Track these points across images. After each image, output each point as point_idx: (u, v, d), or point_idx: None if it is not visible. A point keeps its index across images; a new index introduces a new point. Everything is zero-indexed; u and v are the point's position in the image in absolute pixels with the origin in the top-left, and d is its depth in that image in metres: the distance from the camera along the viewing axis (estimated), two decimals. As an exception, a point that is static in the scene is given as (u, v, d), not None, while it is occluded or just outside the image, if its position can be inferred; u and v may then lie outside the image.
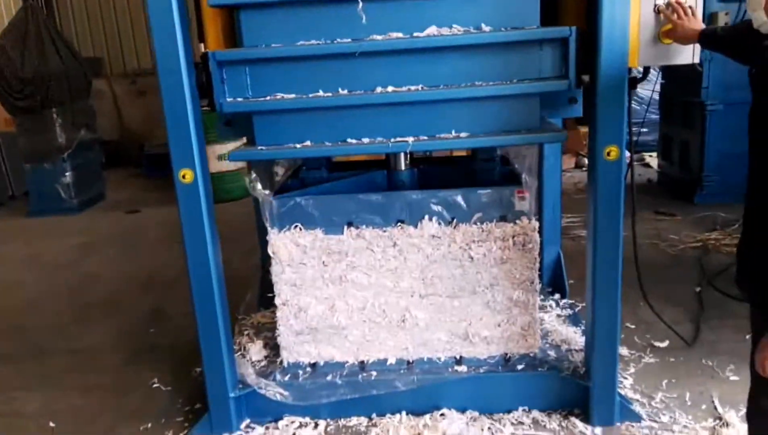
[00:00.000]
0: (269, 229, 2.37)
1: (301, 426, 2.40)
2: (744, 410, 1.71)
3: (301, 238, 2.35)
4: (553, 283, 3.27)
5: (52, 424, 2.59)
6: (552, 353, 2.52)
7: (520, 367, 2.42)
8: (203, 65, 2.08)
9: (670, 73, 5.00)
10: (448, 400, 2.40)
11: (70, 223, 5.73)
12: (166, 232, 5.06)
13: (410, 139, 2.09)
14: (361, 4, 2.01)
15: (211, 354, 2.30)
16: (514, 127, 2.10)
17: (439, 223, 2.33)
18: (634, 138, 2.44)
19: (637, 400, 2.45)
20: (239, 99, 2.10)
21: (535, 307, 2.40)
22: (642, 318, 3.03)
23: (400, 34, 2.05)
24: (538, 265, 2.37)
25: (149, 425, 2.52)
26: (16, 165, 6.37)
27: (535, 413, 2.38)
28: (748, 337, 1.70)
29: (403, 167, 2.62)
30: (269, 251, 2.38)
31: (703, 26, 1.92)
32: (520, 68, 2.04)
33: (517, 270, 2.34)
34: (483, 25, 2.05)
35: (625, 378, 2.60)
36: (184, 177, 2.11)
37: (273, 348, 2.63)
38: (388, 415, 2.40)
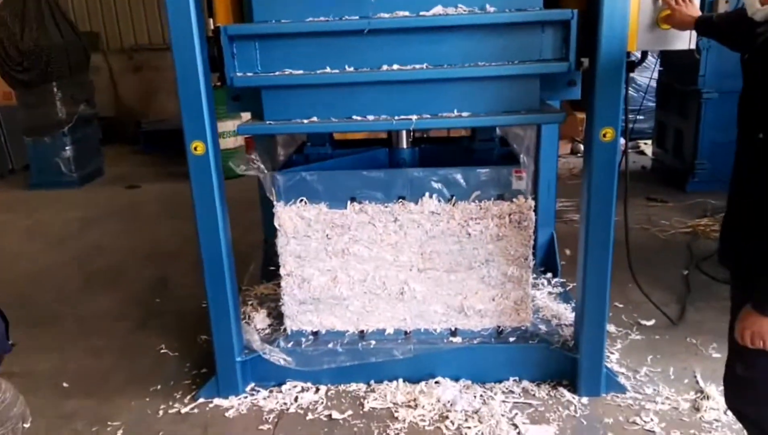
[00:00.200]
0: (275, 202, 2.44)
1: (303, 390, 2.51)
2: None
3: (306, 212, 2.43)
4: (546, 262, 3.36)
5: (65, 384, 2.68)
6: (543, 327, 2.61)
7: (512, 339, 2.51)
8: (215, 39, 2.12)
9: (669, 60, 5.01)
10: (442, 369, 2.50)
11: (71, 197, 5.76)
12: (166, 207, 5.11)
13: (414, 117, 2.15)
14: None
15: (220, 320, 2.39)
16: (514, 107, 2.16)
17: (439, 200, 2.40)
18: (630, 125, 2.49)
19: (623, 374, 2.55)
20: (249, 74, 2.14)
21: (528, 283, 2.49)
22: (630, 298, 3.12)
23: (407, 13, 2.10)
24: (532, 242, 2.45)
25: (158, 387, 2.62)
26: (16, 139, 6.37)
27: (525, 383, 2.48)
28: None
29: (404, 145, 2.70)
30: (275, 223, 2.45)
31: (699, 13, 1.99)
32: (521, 49, 2.09)
33: (512, 246, 2.42)
34: (487, 6, 2.10)
35: (612, 353, 2.70)
36: (195, 148, 2.17)
37: (276, 317, 2.73)
38: (386, 382, 2.50)
